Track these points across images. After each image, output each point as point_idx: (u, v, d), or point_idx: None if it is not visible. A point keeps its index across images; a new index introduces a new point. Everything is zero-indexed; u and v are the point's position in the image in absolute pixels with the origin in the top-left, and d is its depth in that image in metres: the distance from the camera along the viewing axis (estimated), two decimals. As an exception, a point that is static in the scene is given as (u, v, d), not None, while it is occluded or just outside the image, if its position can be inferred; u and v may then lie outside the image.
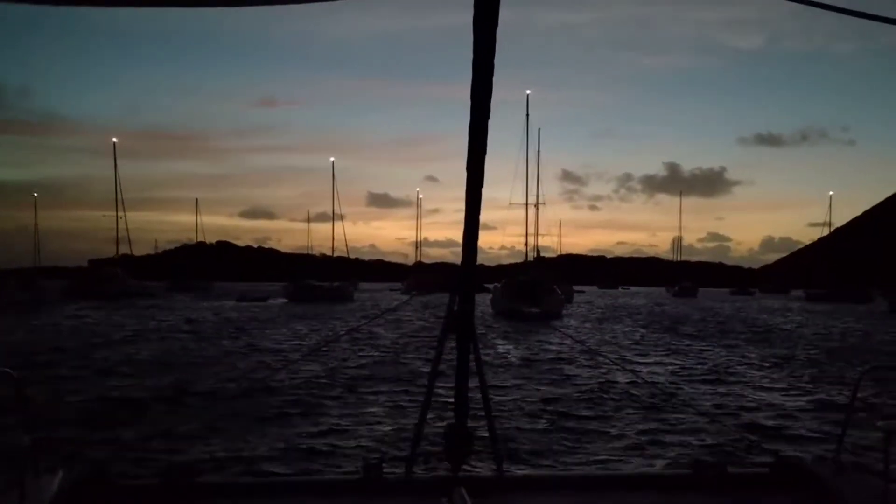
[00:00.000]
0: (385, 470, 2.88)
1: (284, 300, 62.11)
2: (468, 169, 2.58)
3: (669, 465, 8.33)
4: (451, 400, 2.99)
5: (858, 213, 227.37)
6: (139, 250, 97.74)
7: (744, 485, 2.88)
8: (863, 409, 10.58)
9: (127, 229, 78.44)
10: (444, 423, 2.99)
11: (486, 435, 2.98)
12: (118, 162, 77.12)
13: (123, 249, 78.76)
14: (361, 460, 2.97)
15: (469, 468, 3.03)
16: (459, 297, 2.88)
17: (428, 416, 3.02)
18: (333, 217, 79.85)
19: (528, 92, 58.60)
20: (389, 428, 10.29)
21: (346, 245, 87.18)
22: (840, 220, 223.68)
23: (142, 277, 76.58)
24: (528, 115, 57.75)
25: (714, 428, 10.00)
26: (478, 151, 2.54)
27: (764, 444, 9.23)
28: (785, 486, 2.82)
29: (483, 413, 3.02)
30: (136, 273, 75.59)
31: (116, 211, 77.16)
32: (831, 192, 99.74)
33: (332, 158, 78.57)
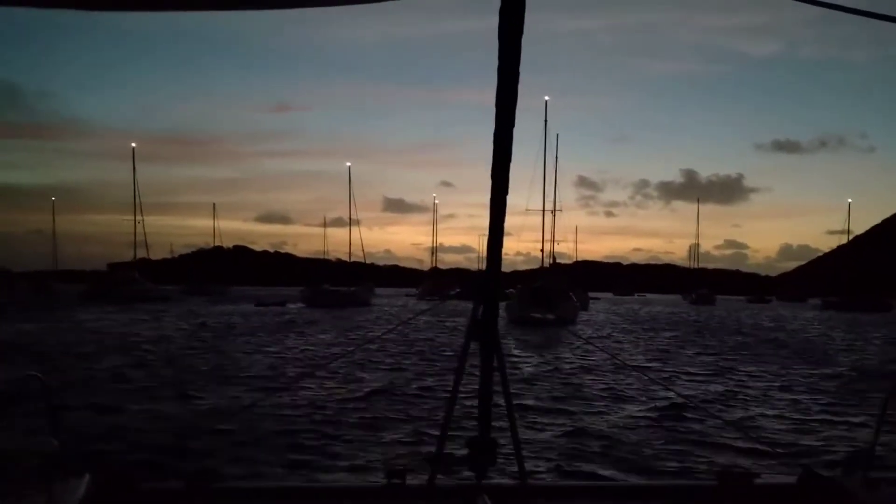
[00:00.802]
0: (408, 478, 2.87)
1: (302, 305, 62.48)
2: (493, 175, 2.56)
3: (695, 475, 8.20)
4: (475, 409, 2.97)
5: (878, 220, 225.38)
6: (156, 254, 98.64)
7: (771, 497, 2.83)
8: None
9: (144, 233, 79.29)
10: (468, 433, 2.98)
11: (510, 444, 2.96)
12: (136, 166, 78.08)
13: (141, 253, 79.61)
14: (384, 468, 2.96)
15: (492, 477, 3.01)
16: (483, 304, 2.86)
17: (451, 425, 3.01)
18: (350, 222, 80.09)
19: (546, 98, 58.68)
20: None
21: (363, 250, 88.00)
22: (860, 227, 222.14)
23: (159, 281, 77.21)
24: (546, 121, 57.79)
25: (742, 440, 9.85)
26: (503, 158, 2.52)
27: (793, 457, 9.08)
28: (813, 499, 2.78)
29: (507, 422, 3.00)
30: (153, 277, 76.25)
31: (135, 215, 78.08)
32: (850, 200, 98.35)
33: (348, 163, 78.88)
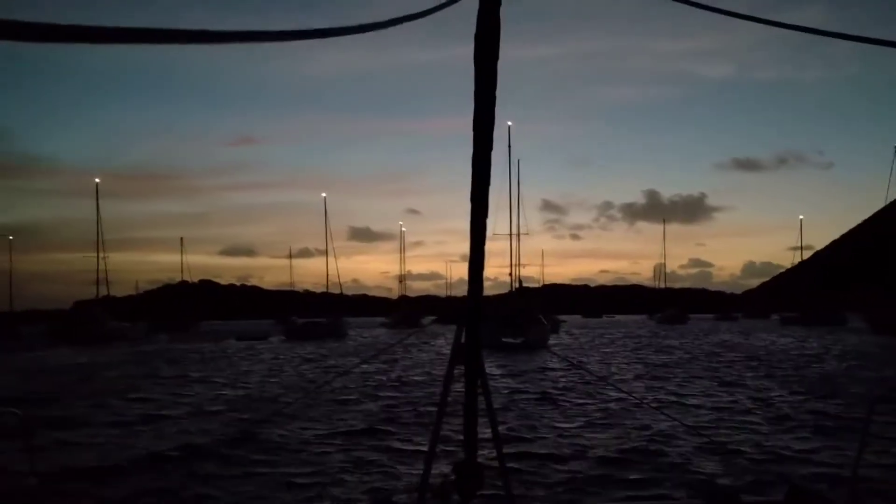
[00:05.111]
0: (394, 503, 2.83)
1: (283, 338, 61.93)
2: (472, 199, 2.56)
3: (683, 495, 8.16)
4: (461, 434, 2.95)
5: (837, 235, 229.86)
6: (120, 291, 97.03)
7: None
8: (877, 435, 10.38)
9: (106, 270, 77.63)
10: (454, 459, 2.95)
11: (497, 467, 2.94)
12: (100, 203, 76.84)
13: (104, 291, 77.99)
14: (371, 495, 2.91)
15: (479, 502, 2.98)
16: (466, 328, 2.86)
17: (437, 451, 2.98)
18: (327, 252, 79.45)
19: (509, 123, 59.20)
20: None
21: (339, 280, 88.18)
22: (820, 242, 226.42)
23: (123, 318, 75.56)
24: (510, 146, 58.32)
25: (730, 458, 9.84)
26: (481, 181, 2.53)
27: (779, 472, 9.08)
28: None
29: (493, 447, 2.98)
30: (117, 314, 74.64)
31: (97, 251, 76.57)
32: (801, 217, 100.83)
33: (323, 194, 79.19)
